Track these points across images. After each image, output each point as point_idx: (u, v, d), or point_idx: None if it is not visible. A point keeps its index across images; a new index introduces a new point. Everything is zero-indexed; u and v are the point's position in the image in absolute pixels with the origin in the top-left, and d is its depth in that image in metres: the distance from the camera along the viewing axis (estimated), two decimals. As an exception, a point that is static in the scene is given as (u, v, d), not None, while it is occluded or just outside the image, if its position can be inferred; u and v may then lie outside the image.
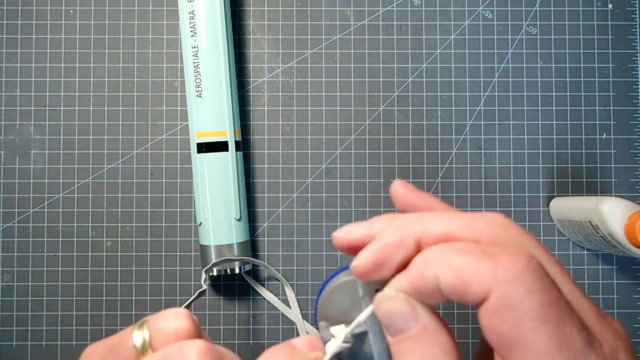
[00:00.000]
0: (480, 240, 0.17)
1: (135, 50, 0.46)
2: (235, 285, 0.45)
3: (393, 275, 0.18)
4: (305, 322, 0.44)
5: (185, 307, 0.33)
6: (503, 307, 0.15)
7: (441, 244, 0.17)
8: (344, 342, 0.19)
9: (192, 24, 0.41)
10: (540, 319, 0.14)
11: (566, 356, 0.14)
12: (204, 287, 0.37)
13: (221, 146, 0.41)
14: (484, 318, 0.15)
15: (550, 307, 0.14)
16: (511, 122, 0.46)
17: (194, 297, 0.36)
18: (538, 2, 0.46)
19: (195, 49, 0.41)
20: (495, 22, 0.46)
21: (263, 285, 0.45)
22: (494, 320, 0.15)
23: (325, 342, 0.20)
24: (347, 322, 0.20)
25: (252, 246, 0.45)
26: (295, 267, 0.45)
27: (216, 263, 0.40)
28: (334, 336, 0.20)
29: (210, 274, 0.41)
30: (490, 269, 0.15)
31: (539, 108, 0.46)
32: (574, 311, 0.15)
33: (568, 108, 0.46)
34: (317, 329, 0.21)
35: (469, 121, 0.46)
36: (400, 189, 0.21)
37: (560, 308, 0.14)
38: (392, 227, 0.18)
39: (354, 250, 0.20)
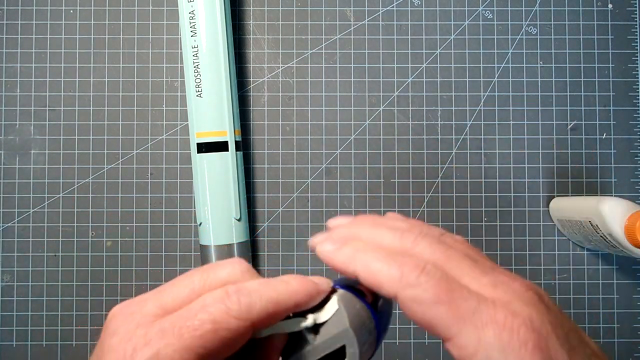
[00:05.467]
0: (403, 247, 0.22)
1: (135, 50, 0.46)
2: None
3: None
4: None
5: None
6: (409, 303, 0.20)
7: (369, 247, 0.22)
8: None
9: (192, 24, 0.41)
10: (437, 303, 0.20)
11: (462, 316, 0.19)
12: None
13: (221, 146, 0.41)
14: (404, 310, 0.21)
15: (441, 293, 0.19)
16: (511, 122, 0.46)
17: None
18: (538, 2, 0.46)
19: (195, 49, 0.41)
20: (495, 22, 0.46)
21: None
22: (410, 312, 0.20)
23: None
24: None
25: (252, 246, 0.45)
26: (295, 267, 0.45)
27: None
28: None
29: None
30: (396, 275, 0.20)
31: (539, 108, 0.46)
32: (463, 287, 0.20)
33: (568, 108, 0.46)
34: None
35: (469, 121, 0.46)
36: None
37: (450, 290, 0.20)
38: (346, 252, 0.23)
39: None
